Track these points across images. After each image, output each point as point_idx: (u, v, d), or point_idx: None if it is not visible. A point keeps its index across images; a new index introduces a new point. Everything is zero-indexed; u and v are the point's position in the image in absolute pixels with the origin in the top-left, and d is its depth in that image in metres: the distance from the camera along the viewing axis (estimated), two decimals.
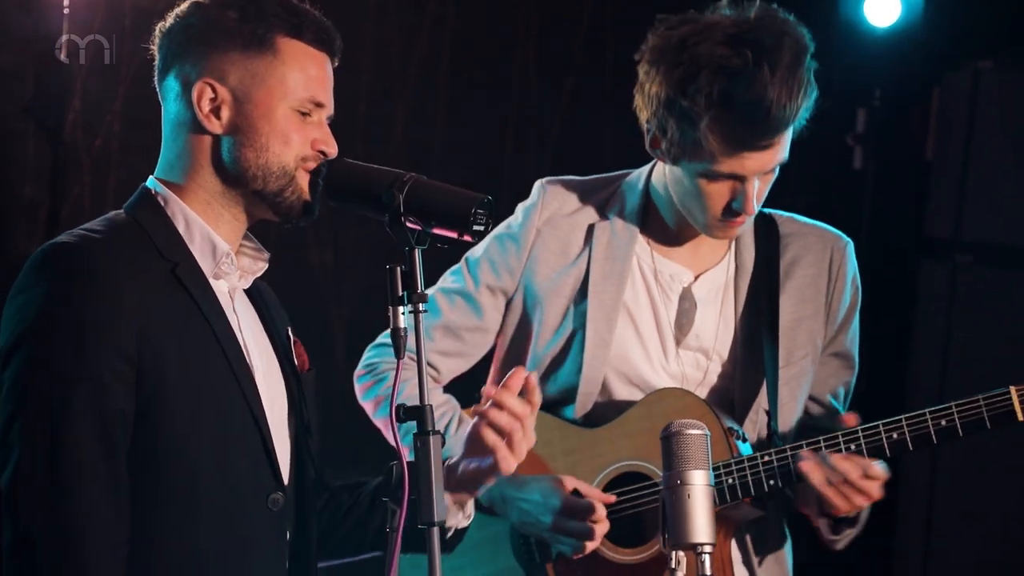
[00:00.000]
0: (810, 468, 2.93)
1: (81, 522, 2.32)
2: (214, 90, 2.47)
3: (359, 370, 3.22)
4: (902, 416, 2.94)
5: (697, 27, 2.95)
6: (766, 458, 2.96)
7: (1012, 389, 2.90)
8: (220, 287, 2.52)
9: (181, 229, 2.49)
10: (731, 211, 2.97)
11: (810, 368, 3.12)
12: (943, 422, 2.92)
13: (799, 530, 3.24)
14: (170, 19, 2.52)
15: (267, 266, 2.59)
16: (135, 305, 2.36)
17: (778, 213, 3.18)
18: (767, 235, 3.15)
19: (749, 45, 2.88)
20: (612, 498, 3.02)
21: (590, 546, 2.98)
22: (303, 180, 2.50)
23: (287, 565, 2.53)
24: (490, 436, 2.53)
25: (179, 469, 2.40)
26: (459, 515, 2.61)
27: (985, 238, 5.38)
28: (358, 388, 3.20)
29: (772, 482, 2.96)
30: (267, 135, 2.47)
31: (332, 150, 2.52)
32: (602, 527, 2.97)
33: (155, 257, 2.44)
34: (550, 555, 3.05)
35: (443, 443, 2.43)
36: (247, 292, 2.60)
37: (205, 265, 2.49)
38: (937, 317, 5.41)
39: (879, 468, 2.95)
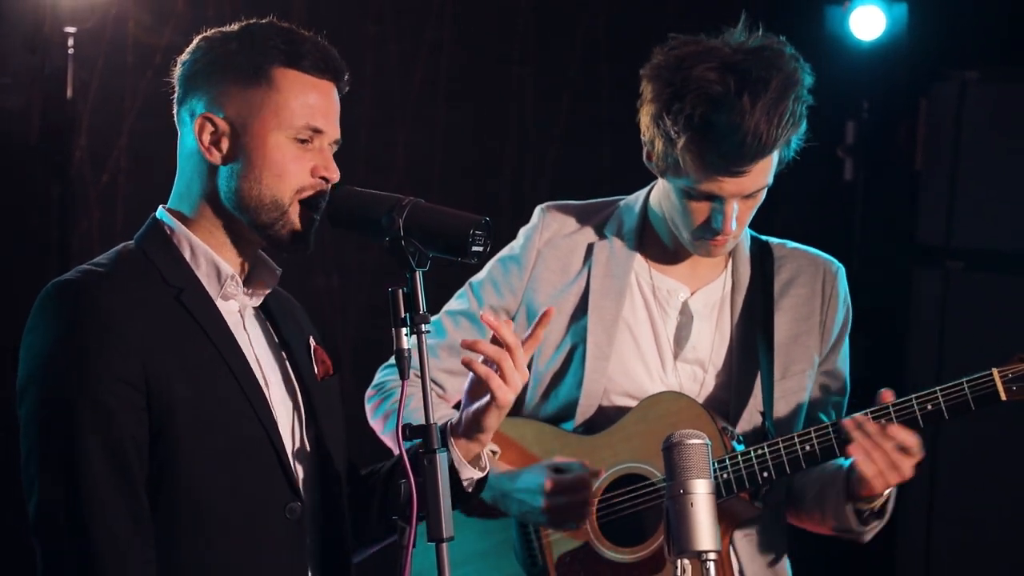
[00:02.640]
0: (855, 447, 2.98)
1: (100, 549, 2.37)
2: (214, 123, 2.53)
3: (369, 391, 3.29)
4: (888, 404, 3.01)
5: (698, 49, 3.02)
6: (759, 451, 3.03)
7: (994, 371, 2.98)
8: (231, 307, 2.59)
9: (187, 256, 2.55)
10: (711, 230, 3.05)
11: (808, 383, 3.20)
12: (929, 406, 2.98)
13: (797, 539, 3.30)
14: (184, 54, 2.59)
15: (277, 282, 2.65)
16: (139, 335, 2.43)
17: (772, 240, 3.27)
18: (762, 257, 3.23)
19: (736, 74, 2.95)
20: (598, 471, 3.08)
21: (582, 515, 3.04)
22: (295, 213, 2.53)
23: (311, 571, 2.59)
24: (480, 368, 2.58)
25: (195, 486, 2.46)
26: (474, 468, 2.65)
27: (976, 245, 5.43)
28: (368, 408, 3.27)
29: (765, 474, 3.02)
30: (261, 167, 2.51)
31: (332, 175, 2.55)
32: (588, 495, 3.03)
33: (159, 285, 2.51)
34: (553, 557, 3.12)
35: (449, 459, 2.49)
36: (261, 308, 2.66)
37: (211, 288, 2.55)
38: (931, 323, 5.47)
39: (914, 440, 2.98)
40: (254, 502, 2.51)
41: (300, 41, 2.54)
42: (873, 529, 3.13)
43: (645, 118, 3.07)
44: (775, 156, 3.03)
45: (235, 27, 2.58)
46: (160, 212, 2.60)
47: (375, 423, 3.25)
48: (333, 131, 2.56)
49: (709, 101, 2.95)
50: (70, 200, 4.98)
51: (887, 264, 5.64)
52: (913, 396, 3.01)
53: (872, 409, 3.02)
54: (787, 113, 2.96)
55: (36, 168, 4.96)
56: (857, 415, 3.01)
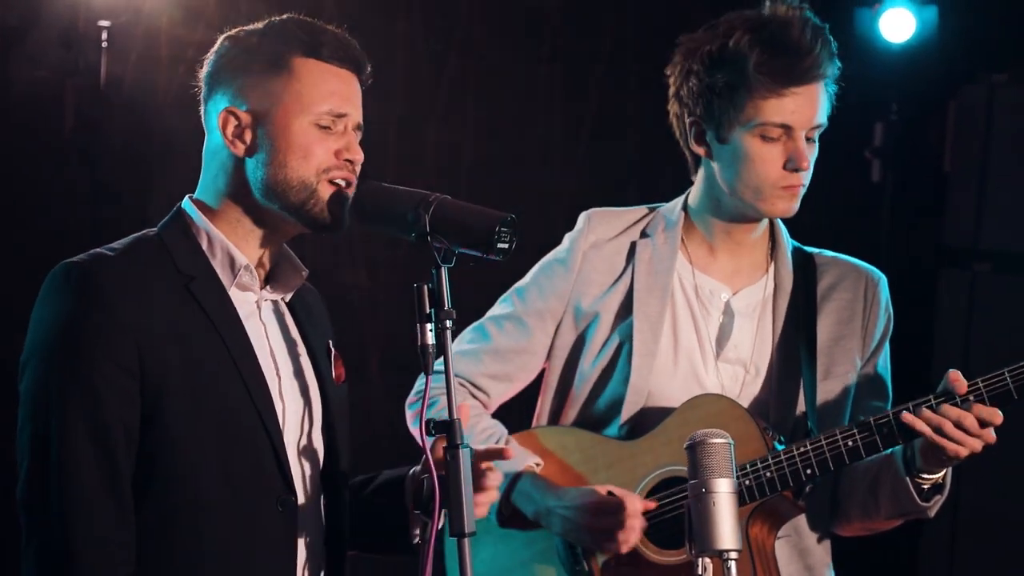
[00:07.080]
0: (912, 419, 2.97)
1: (78, 529, 2.43)
2: (237, 116, 2.58)
3: (410, 397, 3.30)
4: (930, 396, 3.01)
5: (718, 21, 3.15)
6: (801, 449, 3.04)
7: None
8: (247, 297, 2.62)
9: (204, 245, 2.60)
10: (788, 170, 3.08)
11: (851, 385, 3.21)
12: (971, 397, 2.99)
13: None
14: (210, 53, 2.64)
15: (303, 282, 2.69)
16: (137, 318, 2.47)
17: (814, 249, 3.30)
18: (804, 264, 3.26)
19: (767, 6, 3.13)
20: (651, 504, 3.09)
21: (629, 540, 3.04)
22: (325, 193, 2.57)
23: (302, 564, 2.62)
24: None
25: (186, 472, 2.50)
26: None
27: (1003, 247, 5.43)
28: (408, 415, 3.28)
29: (809, 471, 3.03)
30: (285, 151, 2.55)
31: (356, 157, 2.59)
32: (637, 521, 3.04)
33: (171, 272, 2.55)
34: (598, 563, 3.12)
35: (471, 455, 2.50)
36: (289, 304, 2.70)
37: (225, 278, 2.59)
38: (957, 324, 5.47)
39: (992, 412, 2.97)
40: (245, 492, 2.54)
41: (320, 32, 2.59)
42: (936, 504, 3.11)
43: (691, 91, 3.13)
44: (825, 93, 3.10)
45: (259, 24, 2.63)
46: (185, 202, 2.65)
47: (415, 430, 3.26)
48: (356, 114, 2.61)
49: (762, 22, 3.09)
50: (102, 192, 5.02)
51: (914, 266, 5.64)
52: (979, 379, 3.01)
53: (895, 409, 3.02)
54: (830, 40, 3.10)
55: (69, 160, 5.01)
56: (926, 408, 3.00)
